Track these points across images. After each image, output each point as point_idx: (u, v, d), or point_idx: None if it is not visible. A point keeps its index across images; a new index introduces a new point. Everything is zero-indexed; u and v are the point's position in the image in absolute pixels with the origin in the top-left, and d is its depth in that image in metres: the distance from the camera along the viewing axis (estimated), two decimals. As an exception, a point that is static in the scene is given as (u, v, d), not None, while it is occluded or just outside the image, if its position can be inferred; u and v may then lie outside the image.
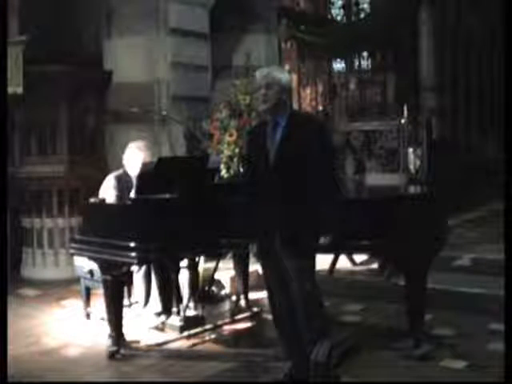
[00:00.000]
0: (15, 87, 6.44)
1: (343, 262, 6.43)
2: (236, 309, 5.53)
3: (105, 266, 4.46)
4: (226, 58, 8.93)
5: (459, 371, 4.14)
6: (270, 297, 3.92)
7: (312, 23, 11.47)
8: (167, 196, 4.57)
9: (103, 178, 5.37)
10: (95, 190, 5.36)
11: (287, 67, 10.48)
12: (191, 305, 5.14)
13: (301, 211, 3.63)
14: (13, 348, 4.43)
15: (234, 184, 5.56)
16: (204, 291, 5.40)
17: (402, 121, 8.64)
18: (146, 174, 4.61)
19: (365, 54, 12.99)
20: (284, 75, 3.84)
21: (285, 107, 3.76)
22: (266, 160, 3.70)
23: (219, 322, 5.22)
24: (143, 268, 5.20)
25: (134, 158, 5.25)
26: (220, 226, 4.48)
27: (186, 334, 4.89)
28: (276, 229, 3.67)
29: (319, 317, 3.77)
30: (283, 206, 3.64)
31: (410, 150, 8.69)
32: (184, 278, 5.15)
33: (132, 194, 4.92)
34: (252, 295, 5.72)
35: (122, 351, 4.49)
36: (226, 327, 5.18)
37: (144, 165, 4.86)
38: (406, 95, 12.01)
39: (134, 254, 4.23)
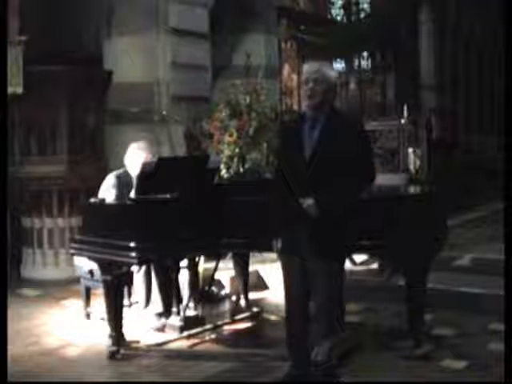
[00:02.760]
0: (15, 87, 6.43)
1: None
2: (236, 309, 5.53)
3: (105, 266, 4.46)
4: (226, 58, 8.92)
5: (459, 371, 4.14)
6: (288, 296, 3.83)
7: (312, 23, 11.46)
8: (167, 196, 4.57)
9: (103, 178, 5.37)
10: (95, 190, 5.36)
11: (287, 67, 10.48)
12: (191, 305, 5.14)
13: (334, 211, 3.56)
14: (13, 348, 4.42)
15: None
16: (204, 291, 5.39)
17: (402, 121, 8.64)
18: (146, 173, 4.61)
19: (365, 54, 12.99)
20: (333, 73, 3.77)
21: (328, 105, 3.68)
22: (302, 157, 3.62)
23: (219, 322, 5.22)
24: (143, 268, 5.20)
25: (135, 157, 5.25)
26: (220, 226, 4.48)
27: (185, 334, 4.88)
28: (306, 228, 3.58)
29: (337, 320, 3.77)
30: (316, 203, 3.54)
31: (410, 150, 8.69)
32: (184, 278, 5.15)
33: (132, 194, 4.92)
34: (252, 295, 5.72)
35: (122, 351, 4.49)
36: (226, 327, 5.18)
37: (144, 165, 4.86)
38: (405, 95, 12.02)
39: (133, 254, 4.22)
